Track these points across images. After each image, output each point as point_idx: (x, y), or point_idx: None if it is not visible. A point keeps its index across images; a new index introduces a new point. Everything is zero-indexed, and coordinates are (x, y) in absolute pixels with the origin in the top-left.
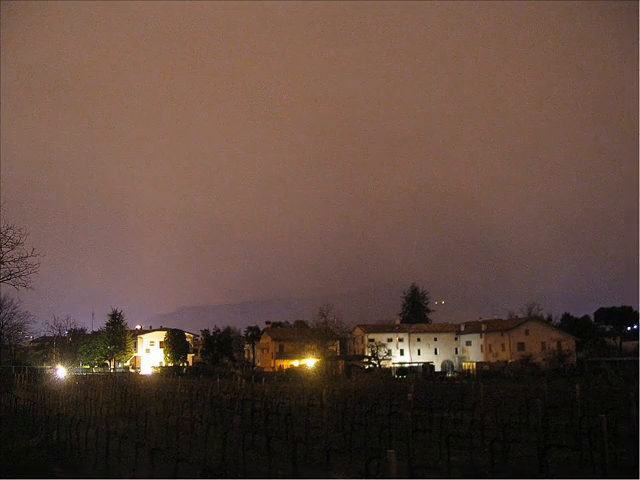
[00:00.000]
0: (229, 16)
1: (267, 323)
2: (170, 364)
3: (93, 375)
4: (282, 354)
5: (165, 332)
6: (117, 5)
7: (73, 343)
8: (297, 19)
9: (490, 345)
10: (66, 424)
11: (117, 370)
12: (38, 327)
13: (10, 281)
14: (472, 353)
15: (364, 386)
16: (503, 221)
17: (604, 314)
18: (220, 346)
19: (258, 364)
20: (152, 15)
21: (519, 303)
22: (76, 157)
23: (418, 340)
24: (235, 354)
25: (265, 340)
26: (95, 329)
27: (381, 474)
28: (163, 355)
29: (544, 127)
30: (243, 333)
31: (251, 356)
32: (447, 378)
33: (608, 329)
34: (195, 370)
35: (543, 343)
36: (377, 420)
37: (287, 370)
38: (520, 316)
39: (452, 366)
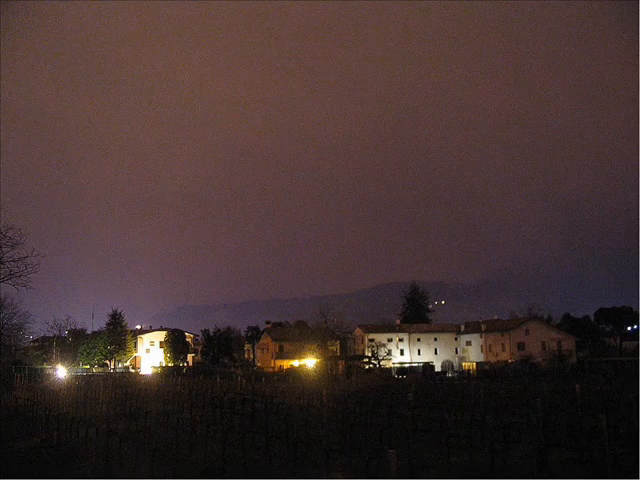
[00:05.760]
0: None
1: (267, 323)
2: (170, 364)
3: (93, 375)
4: (282, 354)
5: (165, 332)
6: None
7: (73, 343)
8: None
9: (490, 345)
10: (66, 424)
11: (117, 370)
12: (38, 327)
13: (10, 281)
14: (472, 353)
15: (364, 386)
16: (504, 222)
17: (604, 314)
18: (220, 346)
19: (258, 364)
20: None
21: (519, 303)
22: (75, 157)
23: (418, 340)
24: (235, 354)
25: (265, 340)
26: (95, 329)
27: (381, 474)
28: (163, 355)
29: (544, 130)
30: (243, 333)
31: (251, 356)
32: (447, 378)
33: (608, 329)
34: (195, 370)
35: (543, 343)
36: (377, 420)
37: (287, 370)
38: (520, 316)
39: (452, 366)
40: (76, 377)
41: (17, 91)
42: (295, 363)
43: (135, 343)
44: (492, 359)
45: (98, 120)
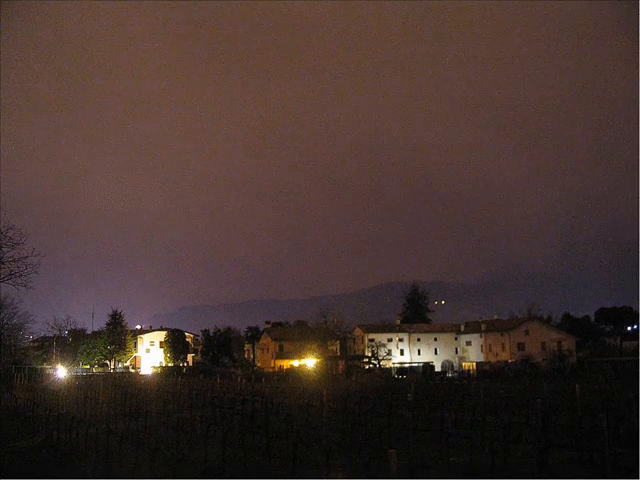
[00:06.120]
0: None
1: (267, 323)
2: (170, 364)
3: (93, 375)
4: (282, 354)
5: (165, 332)
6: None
7: (73, 343)
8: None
9: (490, 345)
10: (66, 424)
11: (117, 370)
12: (38, 327)
13: (10, 281)
14: (472, 353)
15: (364, 386)
16: (505, 223)
17: (604, 314)
18: (220, 346)
19: (258, 364)
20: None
21: (519, 303)
22: (75, 159)
23: (418, 340)
24: (235, 354)
25: (265, 340)
26: (95, 329)
27: (381, 474)
28: (163, 355)
29: (544, 129)
30: (243, 333)
31: (251, 356)
32: (447, 378)
33: (608, 329)
34: (195, 370)
35: (543, 343)
36: (377, 420)
37: (287, 370)
38: (520, 316)
39: (452, 366)
40: (76, 377)
41: (17, 91)
42: (295, 363)
43: (135, 343)
44: (492, 359)
45: (98, 119)
